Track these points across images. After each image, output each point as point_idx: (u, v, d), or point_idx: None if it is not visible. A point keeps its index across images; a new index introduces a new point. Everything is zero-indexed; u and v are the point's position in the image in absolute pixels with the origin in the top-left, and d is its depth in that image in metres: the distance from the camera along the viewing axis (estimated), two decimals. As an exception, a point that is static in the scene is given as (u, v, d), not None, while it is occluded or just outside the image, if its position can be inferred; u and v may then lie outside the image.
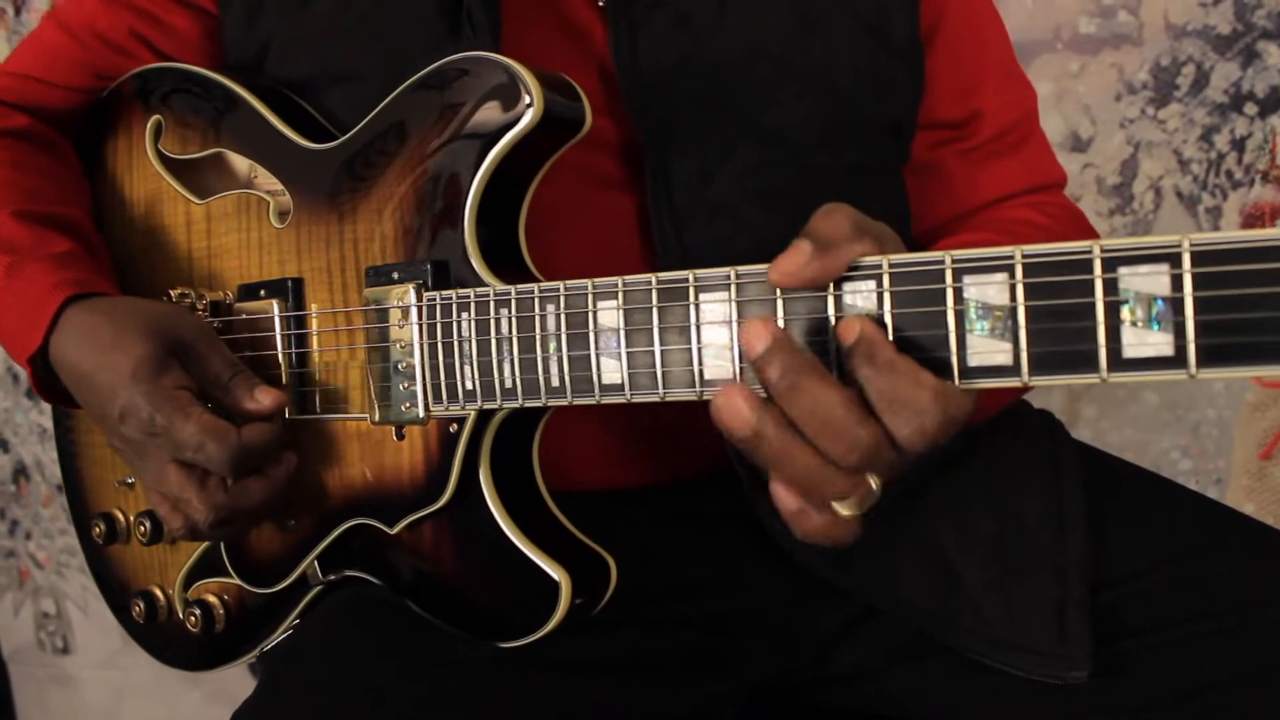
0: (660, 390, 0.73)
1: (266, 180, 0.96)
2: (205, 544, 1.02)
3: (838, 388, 0.65)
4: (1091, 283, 0.60)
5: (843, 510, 0.68)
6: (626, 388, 0.75)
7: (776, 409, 0.66)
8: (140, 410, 0.83)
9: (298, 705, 0.85)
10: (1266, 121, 1.88)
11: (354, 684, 0.85)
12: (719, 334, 0.71)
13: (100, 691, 2.20)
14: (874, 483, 0.68)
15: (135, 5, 1.03)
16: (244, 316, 0.94)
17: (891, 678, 0.96)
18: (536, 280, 0.82)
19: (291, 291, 0.92)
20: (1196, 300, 0.57)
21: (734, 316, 0.70)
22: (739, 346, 0.69)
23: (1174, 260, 0.58)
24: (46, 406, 2.13)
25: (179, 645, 1.06)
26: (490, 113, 0.82)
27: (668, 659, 0.92)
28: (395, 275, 0.85)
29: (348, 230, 0.89)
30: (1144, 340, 0.59)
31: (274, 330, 0.92)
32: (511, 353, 0.79)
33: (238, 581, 0.99)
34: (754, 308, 0.69)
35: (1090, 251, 0.60)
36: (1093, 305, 0.60)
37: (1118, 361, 0.60)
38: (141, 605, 1.06)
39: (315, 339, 0.91)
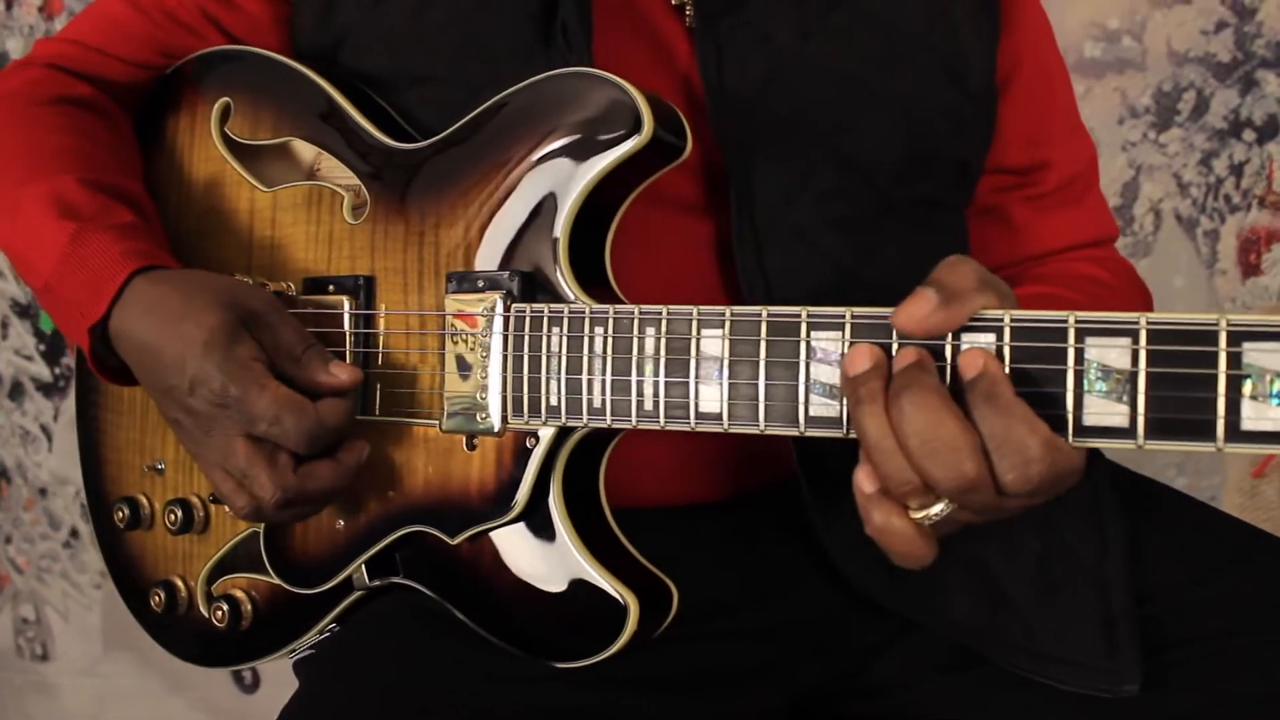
0: (761, 424, 0.77)
1: (337, 173, 0.98)
2: (235, 538, 1.03)
3: (956, 414, 0.68)
4: (1215, 355, 0.64)
5: (915, 514, 0.72)
6: (725, 418, 0.78)
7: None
8: (213, 380, 0.84)
9: (347, 715, 0.88)
10: (1264, 148, 1.97)
11: (403, 696, 0.88)
12: (828, 373, 0.74)
13: (80, 699, 2.19)
14: (941, 506, 0.71)
15: None
16: (310, 311, 0.95)
17: (929, 690, 1.00)
18: (620, 301, 0.85)
19: (363, 289, 0.94)
20: (1322, 381, 0.62)
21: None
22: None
23: (1300, 339, 0.63)
24: (29, 409, 2.12)
25: (196, 639, 1.07)
26: (598, 131, 0.84)
27: (714, 672, 0.96)
28: (480, 283, 0.88)
29: (429, 233, 0.91)
30: (1264, 415, 0.64)
31: (343, 327, 0.94)
32: (604, 372, 0.82)
33: (269, 579, 1.01)
34: (868, 350, 0.73)
35: (1216, 324, 0.64)
36: (1215, 377, 0.64)
37: (1235, 433, 0.64)
38: (162, 595, 1.07)
39: (385, 339, 0.93)
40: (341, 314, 0.94)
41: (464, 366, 0.88)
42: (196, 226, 1.04)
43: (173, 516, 1.04)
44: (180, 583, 1.07)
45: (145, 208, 1.00)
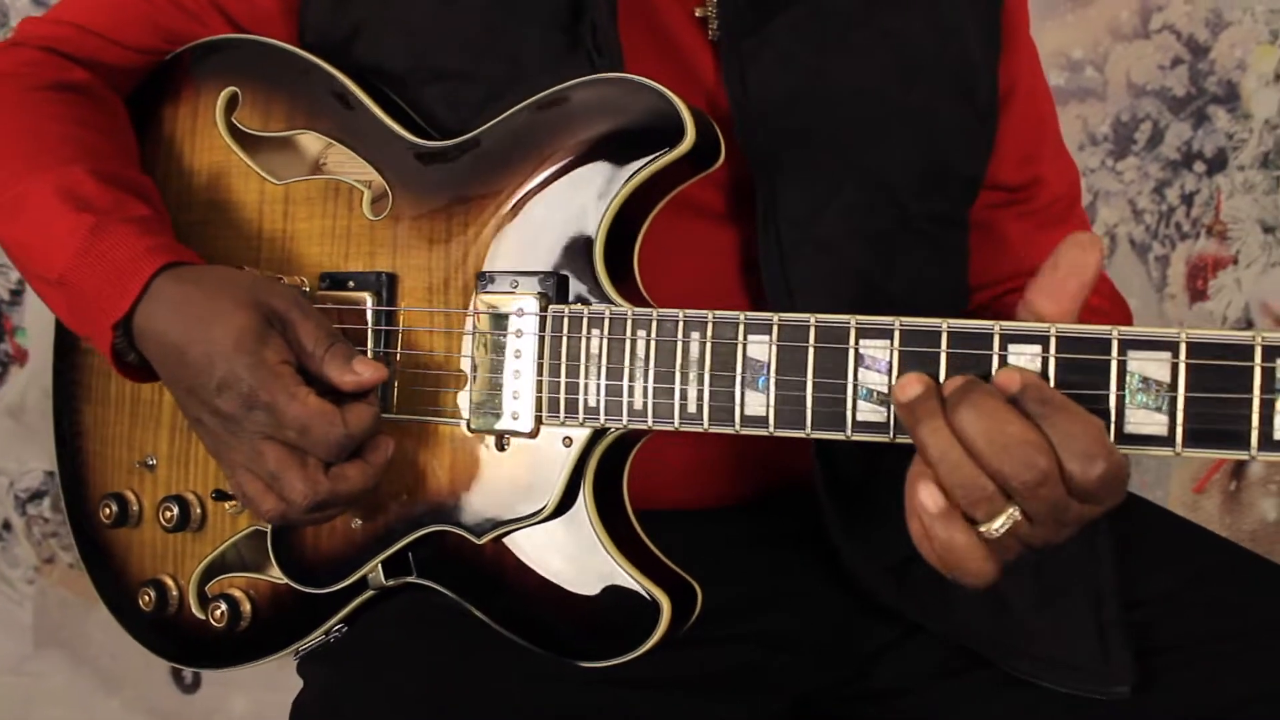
0: (808, 429, 0.84)
1: (347, 167, 1.03)
2: (234, 536, 1.07)
3: (1019, 414, 0.75)
4: (1251, 369, 0.73)
5: (982, 526, 0.77)
6: (771, 422, 0.85)
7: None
8: (241, 384, 0.89)
9: (372, 712, 0.93)
10: (1212, 180, 2.13)
11: (427, 693, 0.94)
12: (876, 379, 0.82)
13: (6, 699, 2.16)
14: (1013, 512, 0.77)
15: None
16: (330, 306, 1.00)
17: (929, 694, 1.08)
18: (647, 304, 0.92)
19: (385, 286, 0.99)
20: (1351, 394, 0.71)
21: (895, 364, 0.81)
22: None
23: (1329, 355, 0.72)
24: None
25: (186, 639, 1.11)
26: (639, 138, 0.91)
27: (721, 675, 1.03)
28: (514, 283, 0.94)
29: (458, 231, 0.97)
30: (1295, 424, 0.73)
31: (365, 324, 0.99)
32: (647, 375, 0.89)
33: (270, 578, 1.05)
34: (915, 358, 0.80)
35: (1252, 340, 0.73)
36: (1250, 388, 0.73)
37: (1268, 442, 0.73)
38: (152, 594, 1.10)
39: (409, 337, 0.98)
40: (363, 310, 0.99)
41: (495, 367, 0.94)
42: (200, 217, 1.09)
43: (169, 514, 1.08)
44: (171, 582, 1.10)
45: (155, 200, 1.04)
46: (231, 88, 1.08)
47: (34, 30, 1.12)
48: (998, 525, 0.77)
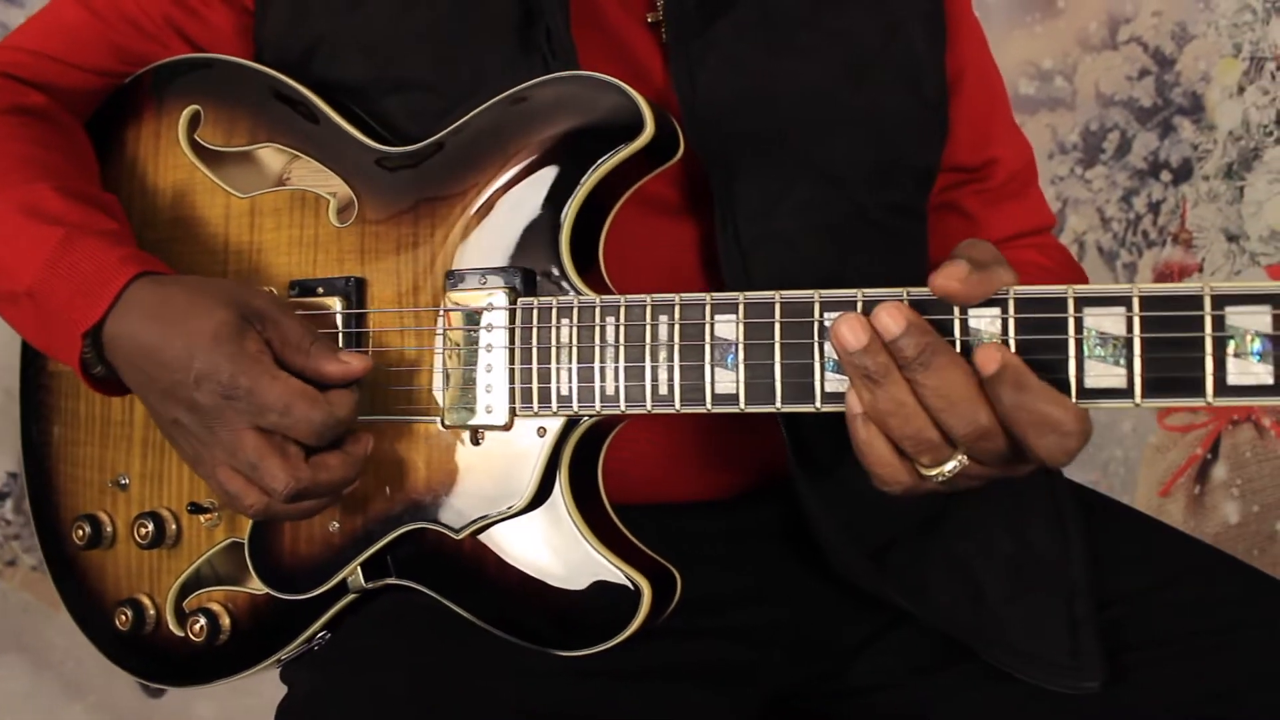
0: (778, 403, 0.88)
1: (311, 178, 1.07)
2: (210, 550, 1.10)
3: (966, 368, 0.82)
4: (1201, 318, 0.78)
5: (928, 471, 0.85)
6: (741, 399, 0.89)
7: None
8: (221, 372, 0.92)
9: (355, 712, 0.96)
10: (1178, 189, 2.20)
11: (417, 693, 0.97)
12: (842, 350, 0.86)
13: None
14: (955, 461, 0.84)
15: None
16: (300, 313, 1.03)
17: (909, 689, 1.12)
18: (614, 294, 0.96)
19: (354, 290, 1.03)
20: (1297, 337, 0.76)
21: (859, 334, 0.85)
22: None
23: (1275, 301, 0.77)
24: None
25: (166, 658, 1.14)
26: (601, 131, 0.95)
27: (697, 669, 1.06)
28: (482, 280, 0.98)
29: (424, 233, 1.01)
30: (1247, 370, 0.77)
31: (336, 329, 1.03)
32: (617, 360, 0.93)
33: (249, 590, 1.08)
34: (879, 327, 0.85)
35: (1201, 291, 0.78)
36: (1202, 338, 0.78)
37: (1222, 388, 0.78)
38: (129, 614, 1.13)
39: (379, 338, 1.02)
40: (333, 315, 1.03)
41: (467, 361, 0.98)
42: (166, 234, 1.13)
43: (143, 530, 1.11)
44: (147, 600, 1.13)
45: (121, 217, 1.08)
46: (194, 106, 1.12)
47: None
48: (949, 469, 0.84)
